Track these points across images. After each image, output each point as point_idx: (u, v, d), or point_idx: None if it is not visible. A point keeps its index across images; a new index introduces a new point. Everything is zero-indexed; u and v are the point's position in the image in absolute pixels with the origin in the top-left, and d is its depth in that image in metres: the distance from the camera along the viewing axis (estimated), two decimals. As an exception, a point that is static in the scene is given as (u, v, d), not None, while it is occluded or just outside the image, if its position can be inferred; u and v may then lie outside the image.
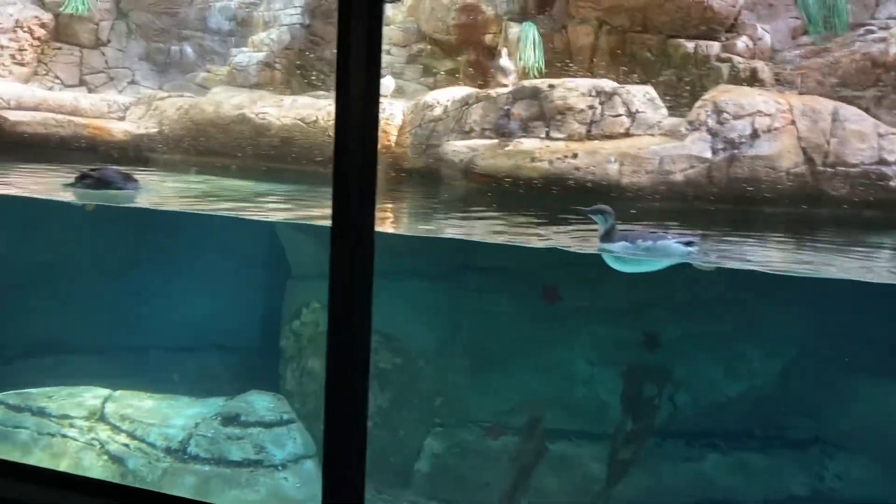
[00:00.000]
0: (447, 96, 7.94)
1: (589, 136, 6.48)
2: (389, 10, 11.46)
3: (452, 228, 7.00)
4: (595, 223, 5.67)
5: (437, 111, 7.76)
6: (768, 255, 6.64)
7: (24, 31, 12.25)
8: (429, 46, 10.04)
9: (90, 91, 12.31)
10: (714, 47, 8.80)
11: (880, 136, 6.73)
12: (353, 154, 1.91)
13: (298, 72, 12.72)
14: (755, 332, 7.23)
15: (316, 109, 8.59)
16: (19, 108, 10.51)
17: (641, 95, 6.91)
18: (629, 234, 5.73)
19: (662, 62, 9.02)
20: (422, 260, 7.57)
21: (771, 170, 6.39)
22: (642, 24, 9.13)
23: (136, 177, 7.41)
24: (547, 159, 6.37)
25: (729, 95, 6.80)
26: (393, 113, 8.09)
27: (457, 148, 6.99)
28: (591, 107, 6.69)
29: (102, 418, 6.72)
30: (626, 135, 6.58)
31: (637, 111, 6.66)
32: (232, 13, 12.92)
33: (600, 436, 7.22)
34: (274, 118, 8.69)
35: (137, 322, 8.12)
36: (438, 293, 7.73)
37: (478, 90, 7.86)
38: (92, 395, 6.97)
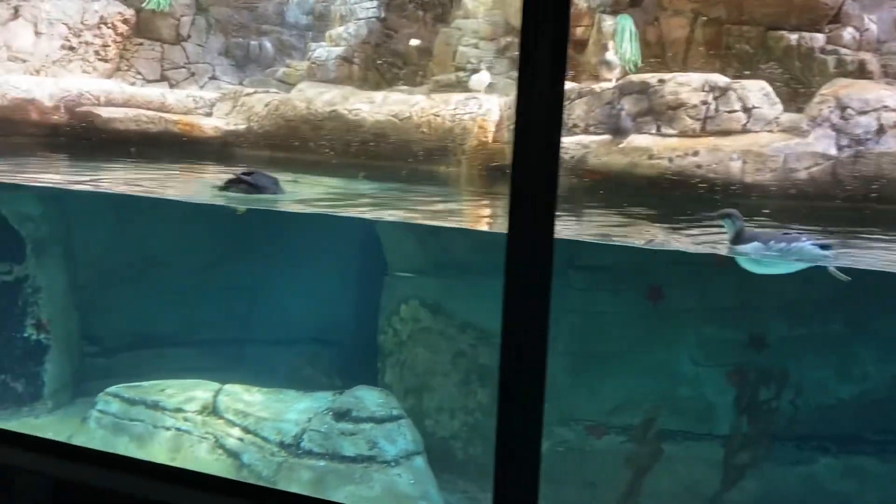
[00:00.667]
0: (547, 91, 7.84)
1: (704, 133, 6.33)
2: (471, 3, 11.39)
3: (560, 226, 6.91)
4: (723, 227, 5.55)
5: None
6: (891, 256, 6.44)
7: (108, 27, 12.45)
8: (516, 40, 9.93)
9: (171, 86, 12.48)
10: (819, 39, 8.56)
11: None
12: (535, 158, 1.83)
13: (377, 66, 12.73)
14: (868, 334, 7.03)
15: (409, 106, 8.55)
16: (109, 104, 10.68)
17: (757, 90, 6.74)
18: (761, 235, 5.60)
19: (762, 55, 8.81)
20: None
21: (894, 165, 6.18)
22: (740, 15, 8.92)
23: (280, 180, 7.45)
24: (666, 157, 6.24)
25: (852, 90, 6.60)
26: (490, 108, 8.02)
27: (565, 144, 6.89)
28: (705, 102, 6.55)
29: (216, 412, 6.79)
30: (744, 131, 6.43)
31: (753, 107, 6.50)
32: (309, 7, 12.98)
33: (706, 436, 7.11)
34: (367, 114, 8.68)
35: (239, 316, 8.21)
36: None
37: (580, 85, 7.74)
38: (203, 389, 7.05)
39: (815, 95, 6.83)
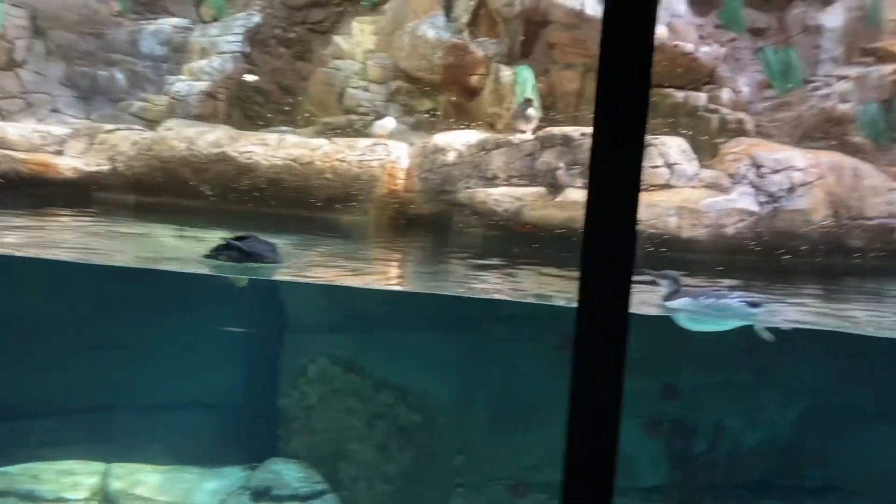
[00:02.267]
0: (459, 140, 7.65)
1: (628, 188, 6.37)
2: (345, 43, 11.05)
3: (482, 283, 6.69)
4: (660, 286, 5.56)
5: (451, 156, 7.45)
6: (800, 309, 6.78)
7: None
8: (406, 84, 9.72)
9: (2, 118, 11.05)
10: (702, 98, 9.03)
11: (890, 190, 7.06)
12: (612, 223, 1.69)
13: (241, 104, 12.02)
14: (772, 382, 7.36)
15: (310, 150, 8.03)
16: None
17: (675, 146, 6.93)
18: (692, 292, 5.65)
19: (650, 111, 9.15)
20: (439, 311, 7.22)
21: (805, 223, 6.54)
22: (627, 72, 9.23)
23: (278, 245, 6.45)
24: (606, 212, 6.20)
25: (761, 149, 6.93)
26: (399, 155, 7.70)
27: (496, 196, 6.71)
28: (627, 157, 6.61)
29: (108, 500, 5.89)
30: (667, 186, 6.55)
31: (675, 163, 6.65)
32: (166, 37, 12.04)
33: (629, 490, 7.09)
34: (261, 157, 8.04)
35: (120, 383, 7.23)
36: (457, 345, 7.39)
37: (496, 135, 7.62)
38: (86, 472, 6.12)
39: (720, 153, 7.11)
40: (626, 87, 1.77)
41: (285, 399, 7.43)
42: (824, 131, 10.08)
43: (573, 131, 7.13)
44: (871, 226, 6.85)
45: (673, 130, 8.71)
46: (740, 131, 8.87)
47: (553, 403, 6.62)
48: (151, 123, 10.95)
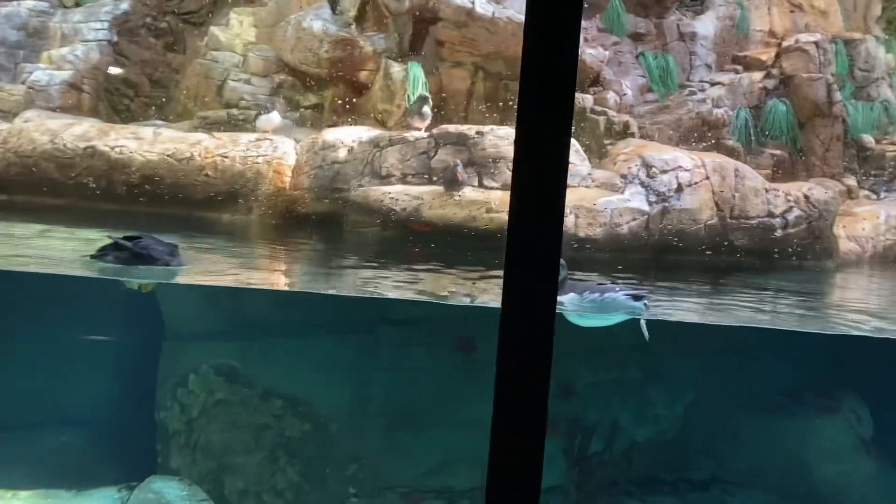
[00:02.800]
0: (350, 136, 7.37)
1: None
2: (223, 35, 10.53)
3: (376, 285, 6.46)
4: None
5: (342, 152, 7.17)
6: (687, 305, 6.93)
7: None
8: (289, 78, 9.33)
9: None
10: (588, 100, 9.13)
11: (766, 191, 7.34)
12: (535, 223, 1.66)
13: (108, 96, 11.26)
14: (659, 378, 7.49)
15: (189, 145, 7.51)
16: None
17: (570, 147, 6.91)
18: (577, 286, 5.60)
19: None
20: (329, 313, 6.93)
21: (693, 221, 6.68)
22: (516, 71, 9.23)
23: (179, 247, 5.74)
24: (505, 210, 6.09)
25: (650, 150, 7.04)
26: (286, 151, 7.33)
27: (392, 194, 6.48)
28: (522, 156, 6.55)
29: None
30: (563, 186, 6.52)
31: (569, 163, 6.64)
32: (22, 21, 11.08)
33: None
34: (135, 153, 7.46)
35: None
36: (347, 349, 7.11)
37: (390, 132, 7.38)
38: (-66, 502, 5.46)
39: (611, 154, 7.17)
40: (552, 89, 1.66)
41: (164, 412, 6.93)
42: (701, 134, 10.46)
43: (468, 129, 7.00)
44: (751, 225, 7.08)
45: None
46: (626, 133, 9.03)
47: (447, 406, 6.48)
48: (6, 115, 10.05)
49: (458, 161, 6.41)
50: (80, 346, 7.05)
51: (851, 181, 10.77)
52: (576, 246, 6.00)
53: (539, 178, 1.69)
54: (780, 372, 7.39)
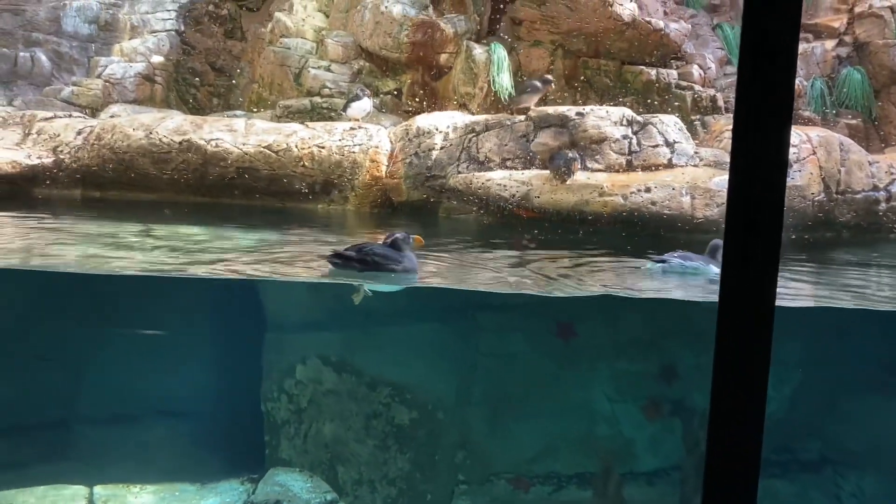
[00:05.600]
0: (444, 122, 7.28)
1: (630, 167, 6.19)
2: (290, 21, 10.46)
3: (488, 272, 6.40)
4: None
5: (437, 139, 7.08)
6: (795, 286, 6.79)
7: None
8: (368, 64, 9.25)
9: None
10: (673, 75, 8.95)
11: (870, 164, 7.14)
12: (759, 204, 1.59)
13: (177, 86, 11.29)
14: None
15: (285, 136, 7.47)
16: None
17: (673, 125, 6.77)
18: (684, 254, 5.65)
19: (620, 88, 9.01)
20: (435, 302, 6.89)
21: (801, 198, 6.52)
22: (597, 49, 9.07)
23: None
24: (619, 193, 5.99)
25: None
26: (381, 140, 7.27)
27: (498, 180, 6.39)
28: (626, 136, 6.42)
29: (101, 527, 5.36)
30: (670, 165, 6.39)
31: (675, 141, 6.49)
32: (93, 15, 11.12)
33: (629, 475, 6.99)
34: (230, 145, 7.44)
35: (93, 394, 6.61)
36: (449, 336, 7.08)
37: (487, 116, 7.28)
38: (69, 497, 5.54)
39: (712, 130, 7.01)
40: (771, 69, 1.64)
41: (270, 404, 6.97)
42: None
43: (568, 111, 6.87)
44: (856, 199, 6.90)
45: (652, 109, 8.61)
46: (714, 108, 8.84)
47: (549, 392, 6.42)
48: (86, 109, 10.12)
49: (578, 155, 6.29)
50: (184, 340, 7.09)
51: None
52: (689, 228, 5.88)
53: (758, 164, 1.66)
54: (889, 351, 7.22)
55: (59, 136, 8.19)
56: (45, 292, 6.92)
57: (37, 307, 7.01)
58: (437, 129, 7.18)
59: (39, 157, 7.99)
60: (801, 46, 11.43)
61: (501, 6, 9.24)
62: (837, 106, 11.02)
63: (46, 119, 8.49)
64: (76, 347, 7.09)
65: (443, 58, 8.90)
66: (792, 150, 6.79)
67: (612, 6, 8.47)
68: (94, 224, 7.43)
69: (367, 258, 5.28)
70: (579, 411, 7.10)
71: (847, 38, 11.55)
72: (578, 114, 6.71)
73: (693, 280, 6.34)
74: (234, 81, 11.50)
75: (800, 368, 7.44)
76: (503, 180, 6.47)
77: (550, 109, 7.04)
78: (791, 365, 7.43)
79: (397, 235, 5.19)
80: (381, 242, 5.27)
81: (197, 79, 11.82)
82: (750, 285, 1.62)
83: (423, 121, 7.37)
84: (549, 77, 6.80)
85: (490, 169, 6.72)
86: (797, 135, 6.94)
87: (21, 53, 10.68)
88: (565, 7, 8.81)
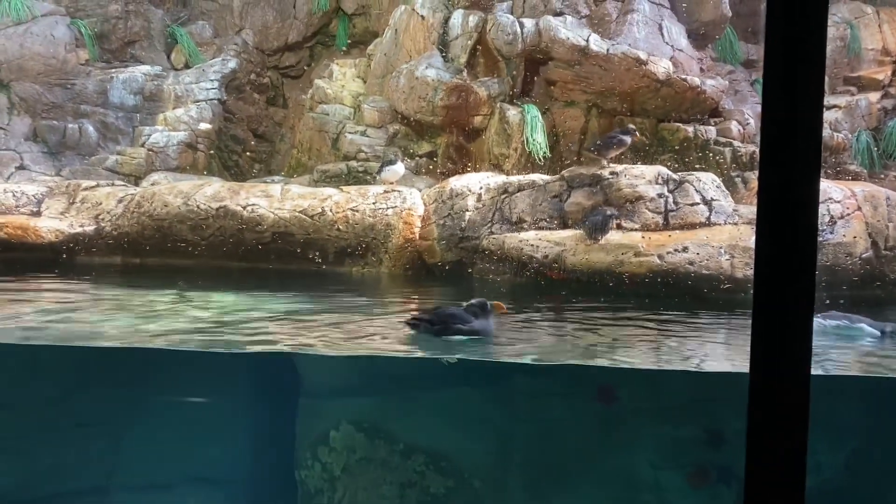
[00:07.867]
0: (476, 183, 7.26)
1: (667, 226, 6.05)
2: (330, 88, 10.64)
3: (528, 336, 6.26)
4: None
5: (470, 200, 7.05)
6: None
7: None
8: (403, 128, 9.33)
9: (-37, 177, 10.31)
10: (712, 131, 8.84)
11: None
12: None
13: (218, 154, 11.51)
14: (817, 423, 7.04)
15: (320, 200, 7.52)
16: None
17: (710, 182, 6.64)
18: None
19: (657, 146, 8.92)
20: (466, 368, 6.75)
21: (848, 256, 6.29)
22: (632, 107, 9.02)
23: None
24: (655, 253, 5.85)
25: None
26: (415, 202, 7.26)
27: (531, 241, 6.30)
28: (661, 195, 6.31)
29: None
30: (708, 224, 6.24)
31: (712, 199, 6.36)
32: (138, 86, 11.47)
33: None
34: (266, 210, 7.51)
35: (98, 459, 6.57)
36: (484, 401, 6.92)
37: (519, 177, 7.24)
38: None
39: (752, 188, 6.85)
40: (795, 126, 1.61)
41: (304, 471, 6.85)
42: (823, 160, 10.02)
43: (601, 170, 6.79)
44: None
45: (691, 166, 8.48)
46: (752, 164, 8.68)
47: (589, 459, 6.17)
48: (129, 178, 10.36)
49: (615, 211, 6.20)
50: (219, 407, 7.05)
51: None
52: (728, 286, 5.70)
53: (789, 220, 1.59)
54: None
55: (101, 204, 8.36)
56: (85, 364, 6.97)
57: (78, 376, 7.06)
58: (469, 191, 7.16)
59: (81, 226, 8.16)
60: (845, 99, 11.25)
61: (535, 68, 9.29)
62: (885, 158, 10.78)
63: (90, 188, 8.69)
64: (115, 415, 7.10)
65: (477, 120, 8.94)
66: (836, 205, 6.61)
67: (646, 65, 8.45)
68: (129, 291, 7.51)
69: (441, 319, 5.48)
70: (621, 479, 6.84)
71: (892, 90, 11.37)
72: (612, 173, 6.63)
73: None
74: (275, 147, 11.70)
75: (855, 434, 7.09)
76: (535, 241, 6.38)
77: (583, 169, 6.97)
78: (844, 430, 7.10)
79: (474, 301, 5.27)
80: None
81: (239, 146, 12.07)
82: (783, 349, 1.54)
83: (456, 182, 7.37)
84: (633, 127, 6.79)
85: (523, 229, 6.64)
86: (840, 190, 6.75)
87: (69, 125, 11.02)
88: (598, 67, 8.81)
